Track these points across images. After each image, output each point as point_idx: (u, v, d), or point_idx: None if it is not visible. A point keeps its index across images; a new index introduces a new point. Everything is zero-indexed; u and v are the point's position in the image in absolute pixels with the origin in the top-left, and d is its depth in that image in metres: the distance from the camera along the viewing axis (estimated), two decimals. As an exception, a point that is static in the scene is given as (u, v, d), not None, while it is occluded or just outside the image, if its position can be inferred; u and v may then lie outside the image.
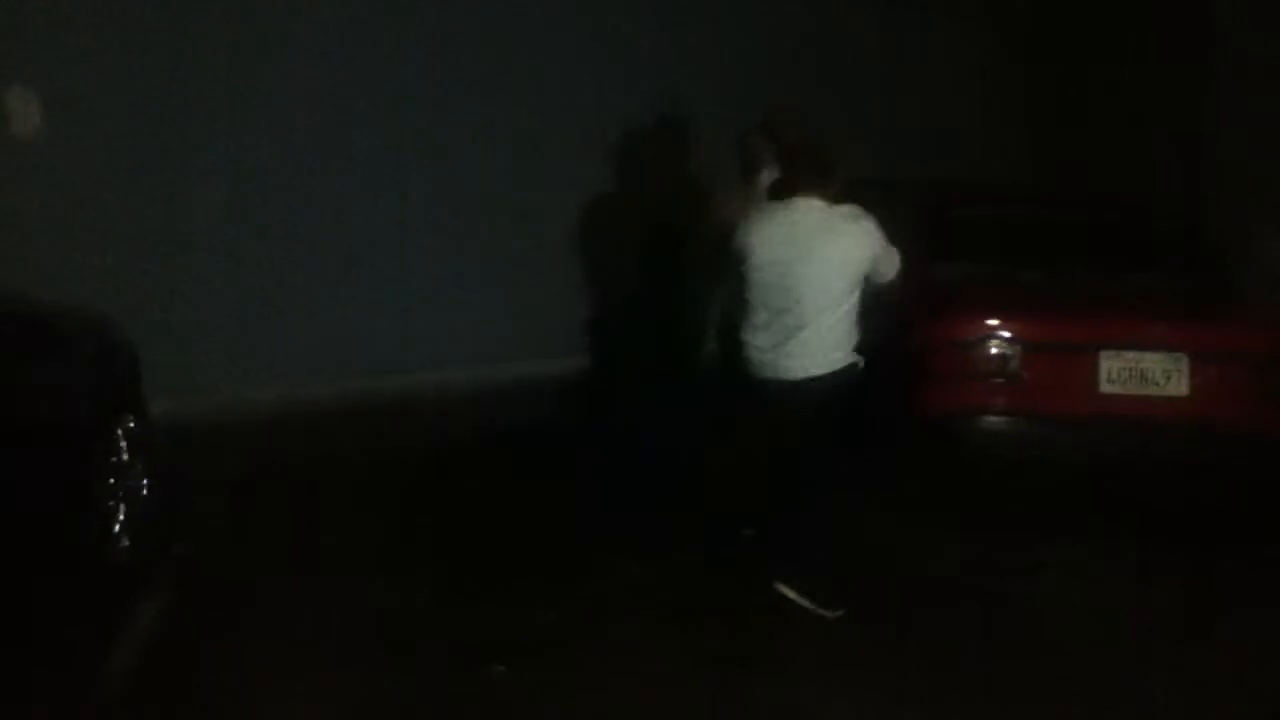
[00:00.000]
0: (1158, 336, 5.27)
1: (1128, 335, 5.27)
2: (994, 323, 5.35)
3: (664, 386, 5.60)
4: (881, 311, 5.79)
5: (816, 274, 4.31)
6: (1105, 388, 5.20)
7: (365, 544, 4.70)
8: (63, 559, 4.04)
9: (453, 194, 6.95)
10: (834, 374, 4.36)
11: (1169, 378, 5.19)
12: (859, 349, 4.42)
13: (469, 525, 5.02)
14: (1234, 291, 5.92)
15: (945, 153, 8.16)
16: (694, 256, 5.38)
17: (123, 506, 4.39)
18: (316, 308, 6.48)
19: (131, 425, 4.51)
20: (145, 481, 4.54)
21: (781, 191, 4.50)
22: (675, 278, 5.59)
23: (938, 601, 4.46)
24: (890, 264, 4.47)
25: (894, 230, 6.15)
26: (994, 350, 5.32)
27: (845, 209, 4.41)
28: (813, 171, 4.40)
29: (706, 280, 5.03)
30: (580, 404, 6.68)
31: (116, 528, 4.34)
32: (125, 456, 4.44)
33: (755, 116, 5.32)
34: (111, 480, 4.35)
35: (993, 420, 5.38)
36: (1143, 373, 5.20)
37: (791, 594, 4.26)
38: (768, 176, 4.95)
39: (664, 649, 3.94)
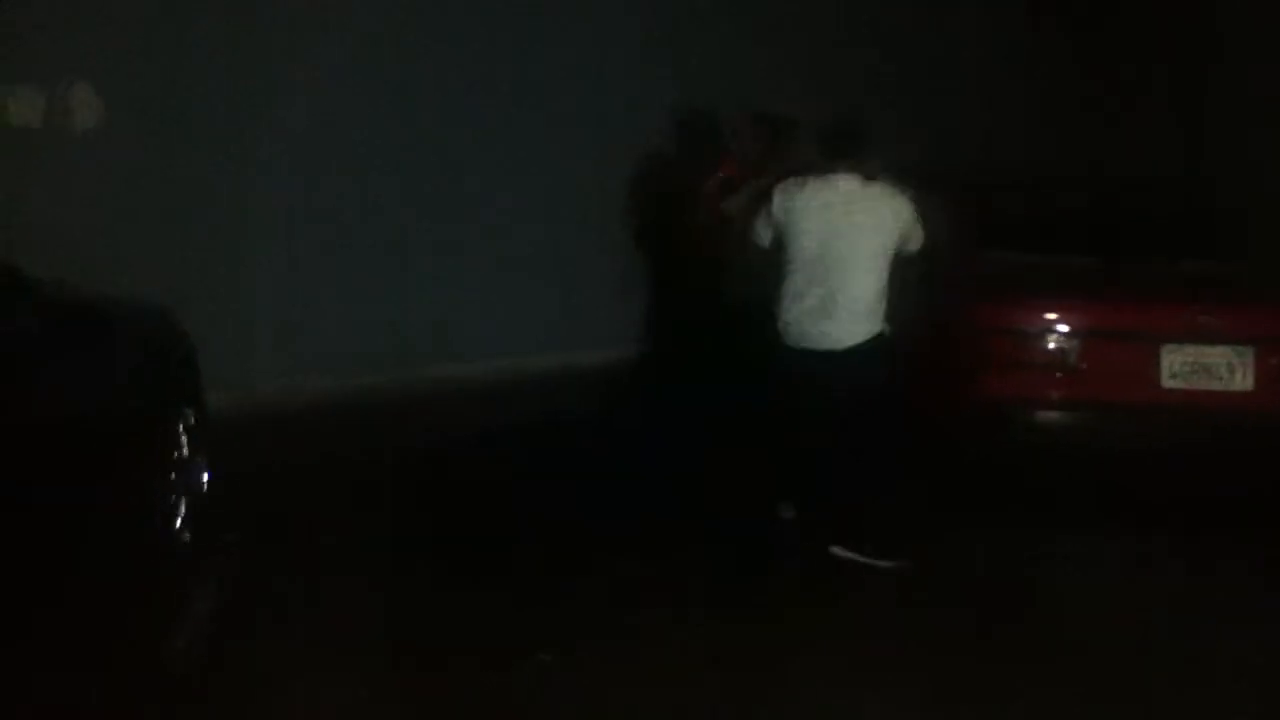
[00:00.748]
0: (1221, 328, 5.17)
1: (1190, 328, 5.18)
2: (1052, 314, 5.29)
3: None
4: (928, 296, 5.81)
5: (855, 245, 4.56)
6: (1168, 383, 5.12)
7: (407, 536, 4.71)
8: (126, 552, 4.05)
9: (498, 185, 6.92)
10: (868, 342, 4.59)
11: (1234, 371, 5.11)
12: (888, 318, 4.66)
13: (506, 517, 4.98)
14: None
15: (977, 146, 8.07)
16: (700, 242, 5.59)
17: (184, 500, 4.39)
18: (367, 298, 6.48)
19: (192, 419, 4.52)
20: (205, 475, 4.56)
21: (823, 166, 4.71)
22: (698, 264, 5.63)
23: (974, 594, 4.41)
24: (918, 238, 4.75)
25: (944, 218, 6.19)
26: (1051, 341, 5.25)
27: (880, 185, 4.68)
28: (852, 148, 4.66)
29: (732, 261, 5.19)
30: (621, 394, 6.63)
31: (179, 522, 4.35)
32: (186, 451, 4.44)
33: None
34: (173, 475, 4.35)
35: (1048, 413, 5.33)
36: (1206, 367, 5.13)
37: (850, 554, 4.45)
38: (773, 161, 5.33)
39: (690, 642, 3.90)
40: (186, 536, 4.39)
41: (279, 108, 6.18)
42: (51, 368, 3.70)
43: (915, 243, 4.76)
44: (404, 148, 6.62)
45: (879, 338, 4.64)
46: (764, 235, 4.78)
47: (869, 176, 4.69)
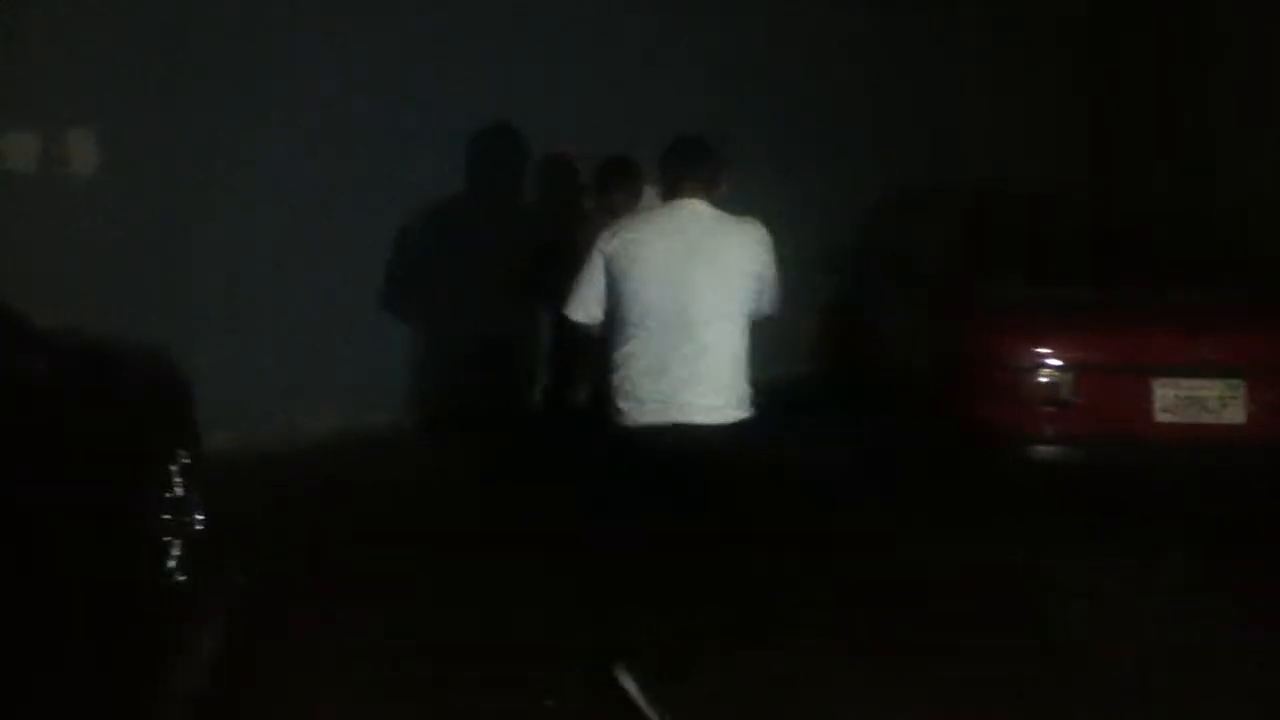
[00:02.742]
0: (1213, 361, 5.16)
1: (1182, 361, 5.17)
2: (1044, 348, 5.28)
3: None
4: (923, 325, 5.81)
5: (711, 282, 3.72)
6: (1160, 417, 5.11)
7: (411, 569, 4.76)
8: (116, 593, 4.09)
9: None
10: (732, 426, 3.71)
11: (1225, 404, 5.10)
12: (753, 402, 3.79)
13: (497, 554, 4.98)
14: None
15: (976, 157, 7.94)
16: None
17: (178, 541, 4.44)
18: (368, 336, 6.53)
19: (185, 460, 4.57)
20: (199, 515, 4.61)
21: (667, 193, 3.90)
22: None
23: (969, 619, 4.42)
24: (774, 295, 3.86)
25: (937, 240, 6.18)
26: (1044, 375, 5.25)
27: (736, 217, 3.84)
28: (700, 171, 3.85)
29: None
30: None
31: (172, 562, 4.40)
32: (179, 491, 4.50)
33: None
34: (166, 516, 4.41)
35: (1043, 448, 5.32)
36: (1198, 400, 5.12)
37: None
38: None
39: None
40: (181, 576, 4.44)
41: (278, 145, 6.24)
42: (49, 409, 3.76)
43: (769, 301, 3.85)
44: (415, 185, 6.64)
45: (744, 424, 3.73)
46: (590, 304, 3.85)
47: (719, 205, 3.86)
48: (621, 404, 3.75)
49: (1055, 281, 5.56)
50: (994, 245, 5.87)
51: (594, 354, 4.00)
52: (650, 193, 4.52)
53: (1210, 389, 5.10)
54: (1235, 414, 5.09)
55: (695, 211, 3.81)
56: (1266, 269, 5.80)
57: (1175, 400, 5.12)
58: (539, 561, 4.69)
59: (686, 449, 3.67)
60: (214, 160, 6.07)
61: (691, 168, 3.85)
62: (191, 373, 4.80)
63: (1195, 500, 5.15)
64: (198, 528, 4.59)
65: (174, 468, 4.50)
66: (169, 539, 4.41)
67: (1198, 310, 5.36)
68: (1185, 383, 5.12)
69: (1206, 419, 5.09)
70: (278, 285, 6.30)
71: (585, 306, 3.87)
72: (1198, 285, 5.56)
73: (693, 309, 3.70)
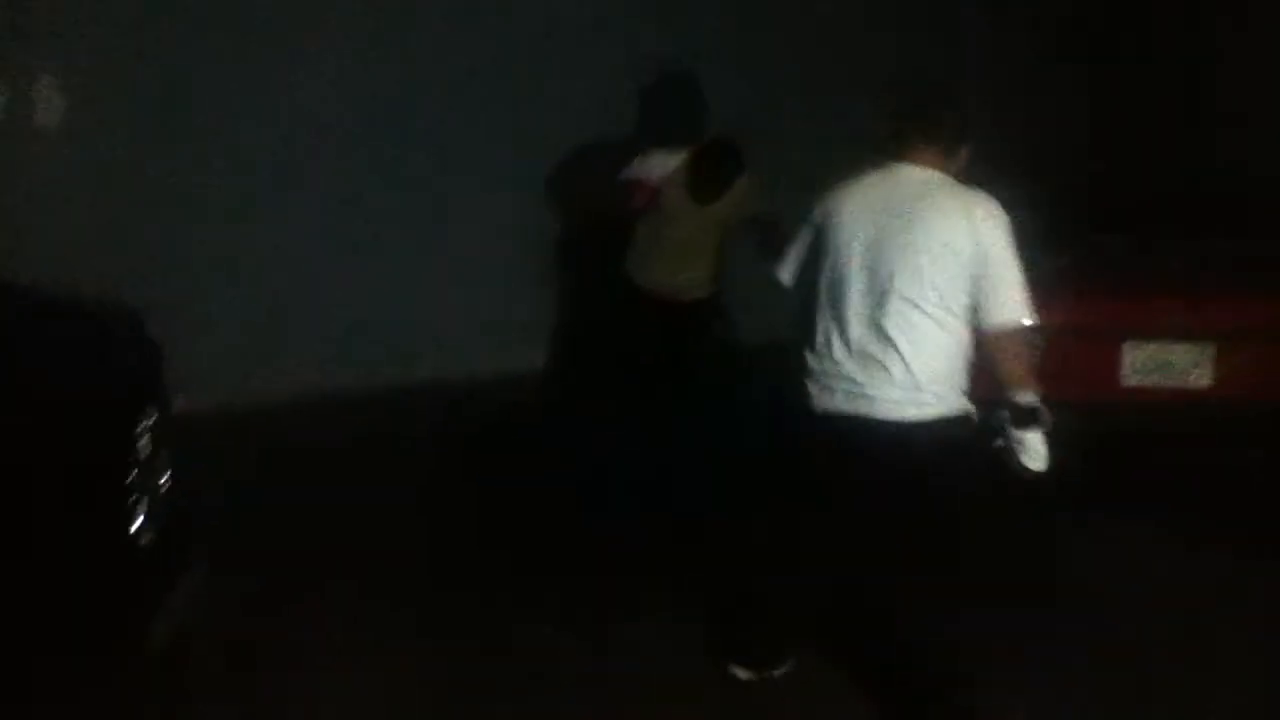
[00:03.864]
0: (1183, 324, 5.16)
1: (1152, 324, 5.17)
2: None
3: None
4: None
5: (905, 260, 3.23)
6: (1128, 380, 5.13)
7: (375, 534, 4.75)
8: (83, 552, 4.09)
9: (463, 189, 6.84)
10: (939, 422, 3.24)
11: (1194, 368, 5.12)
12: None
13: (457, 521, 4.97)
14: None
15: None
16: None
17: (144, 500, 4.43)
18: (335, 298, 6.48)
19: (154, 420, 4.55)
20: (167, 476, 4.59)
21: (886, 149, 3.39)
22: None
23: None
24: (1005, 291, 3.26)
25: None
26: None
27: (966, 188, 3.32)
28: (932, 128, 3.33)
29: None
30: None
31: (138, 523, 4.38)
32: (147, 452, 4.47)
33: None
34: (134, 475, 4.38)
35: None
36: (1167, 364, 5.14)
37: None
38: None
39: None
40: (148, 537, 4.43)
41: (246, 113, 6.16)
42: (9, 365, 3.74)
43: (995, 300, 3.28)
44: (372, 152, 6.57)
45: (955, 421, 3.27)
46: (789, 267, 3.52)
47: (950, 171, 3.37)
48: (809, 386, 3.39)
49: (1033, 243, 5.55)
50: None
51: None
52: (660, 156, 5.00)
53: (1179, 353, 5.12)
54: (1203, 378, 5.11)
55: (908, 177, 3.32)
56: (1249, 234, 5.77)
57: (1145, 363, 5.14)
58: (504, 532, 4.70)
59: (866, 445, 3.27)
60: (187, 120, 6.00)
61: (918, 121, 3.33)
62: (163, 331, 4.75)
63: (1164, 464, 5.18)
64: (164, 487, 4.58)
65: (140, 426, 4.48)
66: (135, 498, 4.39)
67: (1169, 274, 5.36)
68: (1153, 346, 5.13)
69: (1174, 383, 5.11)
70: (254, 241, 6.23)
71: (788, 269, 3.53)
72: (1174, 248, 5.53)
73: (883, 288, 3.24)
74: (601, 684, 3.69)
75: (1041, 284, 5.23)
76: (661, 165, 5.04)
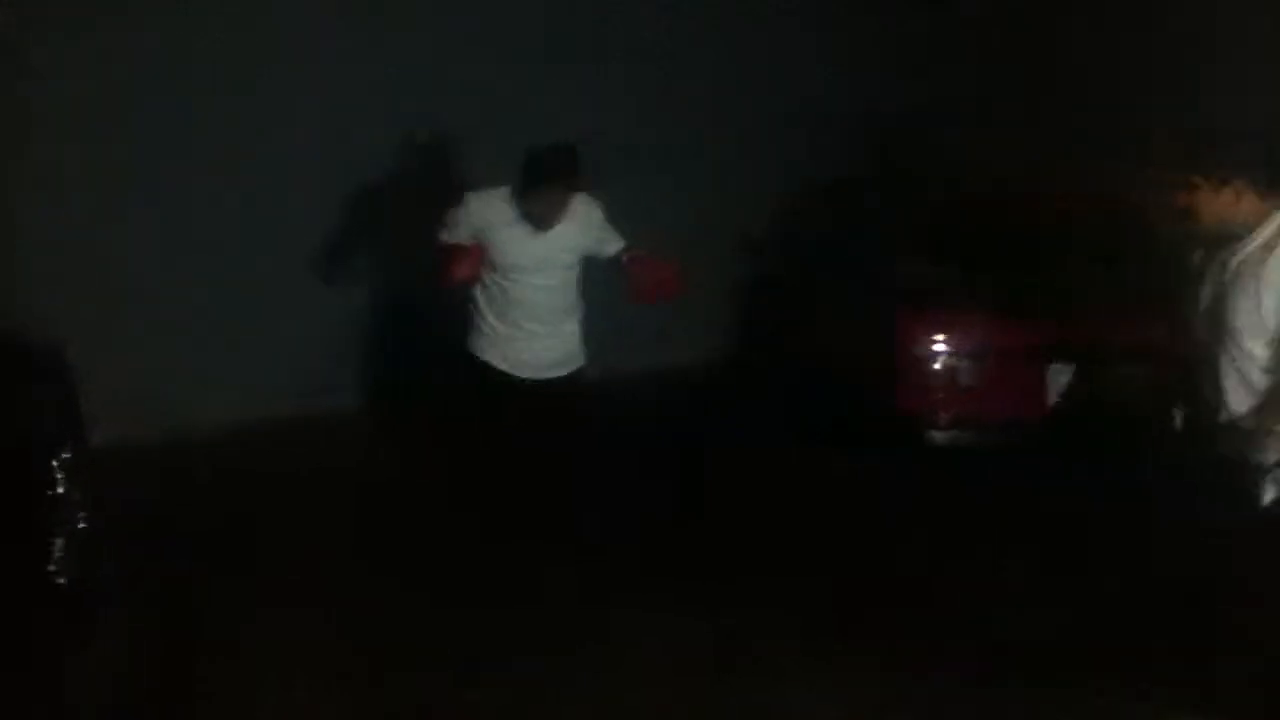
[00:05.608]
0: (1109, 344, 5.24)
1: (1076, 345, 5.27)
2: (938, 335, 5.36)
3: None
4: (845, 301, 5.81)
5: None
6: (1055, 400, 5.21)
7: (319, 561, 4.67)
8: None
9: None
10: None
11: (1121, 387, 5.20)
12: None
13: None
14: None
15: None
16: None
17: (59, 540, 4.29)
18: (269, 327, 6.37)
19: (68, 455, 4.42)
20: (82, 514, 4.45)
21: None
22: None
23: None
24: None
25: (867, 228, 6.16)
26: (940, 362, 5.34)
27: None
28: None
29: None
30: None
31: (54, 565, 4.24)
32: (61, 489, 4.34)
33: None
34: (47, 514, 4.25)
35: (940, 432, 5.40)
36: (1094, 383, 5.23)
37: None
38: None
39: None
40: (65, 577, 4.28)
41: (186, 125, 6.04)
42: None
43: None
44: (311, 181, 6.45)
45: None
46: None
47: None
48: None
49: (968, 266, 5.64)
50: (917, 232, 5.92)
51: None
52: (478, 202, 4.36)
53: (1107, 372, 5.20)
54: (1130, 395, 5.19)
55: None
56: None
57: (1069, 384, 5.23)
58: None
59: None
60: (100, 140, 5.84)
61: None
62: (79, 362, 4.61)
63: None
64: (81, 525, 4.44)
65: (55, 463, 4.34)
66: (51, 538, 4.25)
67: (1100, 293, 5.44)
68: (1080, 367, 5.22)
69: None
70: (175, 268, 6.09)
71: None
72: (1113, 267, 5.62)
73: None
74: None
75: (968, 305, 5.43)
76: (481, 212, 4.35)
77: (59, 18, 5.78)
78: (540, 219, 4.29)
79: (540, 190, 4.25)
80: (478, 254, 4.33)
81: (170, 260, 6.09)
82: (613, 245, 4.49)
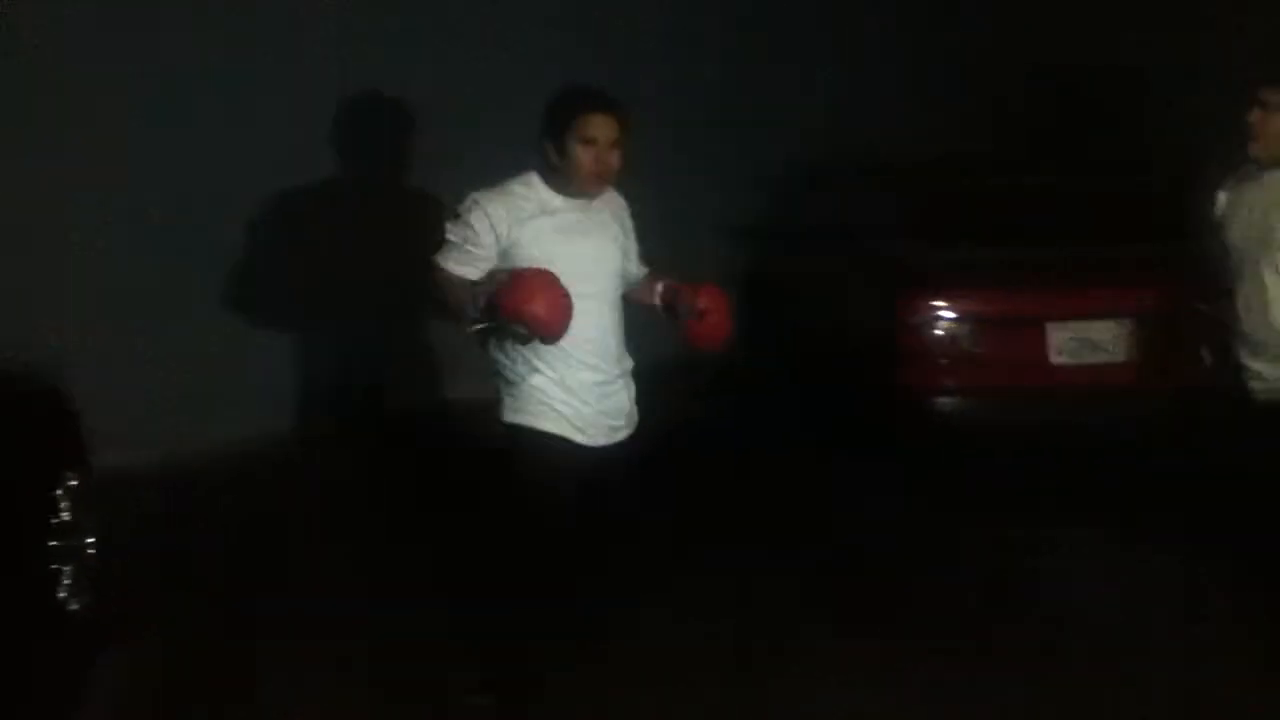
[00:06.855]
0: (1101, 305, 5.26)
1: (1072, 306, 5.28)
2: (941, 303, 5.39)
3: None
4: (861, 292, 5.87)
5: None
6: (1056, 359, 5.23)
7: (316, 585, 4.64)
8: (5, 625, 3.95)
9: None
10: None
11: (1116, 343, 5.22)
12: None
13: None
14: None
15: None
16: None
17: (68, 568, 4.30)
18: (266, 350, 6.38)
19: (73, 484, 4.42)
20: (90, 540, 4.45)
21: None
22: None
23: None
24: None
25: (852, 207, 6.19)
26: (943, 330, 5.36)
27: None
28: None
29: None
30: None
31: (63, 591, 4.25)
32: (67, 516, 4.35)
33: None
34: (54, 542, 4.25)
35: (949, 400, 5.42)
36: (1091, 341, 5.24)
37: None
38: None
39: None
40: (76, 605, 4.29)
41: (168, 150, 6.03)
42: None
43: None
44: (303, 206, 6.45)
45: None
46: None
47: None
48: None
49: (970, 240, 5.66)
50: (918, 210, 5.93)
51: None
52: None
53: (1101, 330, 5.21)
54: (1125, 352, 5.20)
55: None
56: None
57: (1069, 342, 5.23)
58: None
59: None
60: (97, 163, 5.83)
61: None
62: (78, 389, 4.62)
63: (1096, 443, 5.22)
64: (89, 552, 4.45)
65: (60, 491, 4.35)
66: (58, 566, 4.26)
67: (1094, 260, 5.47)
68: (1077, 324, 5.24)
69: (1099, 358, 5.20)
70: (165, 294, 6.10)
71: None
72: (1110, 238, 5.65)
73: None
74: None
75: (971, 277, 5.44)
76: (511, 205, 3.16)
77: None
78: (596, 175, 3.16)
79: (599, 114, 3.12)
80: (552, 277, 3.05)
81: (171, 282, 6.10)
82: (634, 260, 3.46)
